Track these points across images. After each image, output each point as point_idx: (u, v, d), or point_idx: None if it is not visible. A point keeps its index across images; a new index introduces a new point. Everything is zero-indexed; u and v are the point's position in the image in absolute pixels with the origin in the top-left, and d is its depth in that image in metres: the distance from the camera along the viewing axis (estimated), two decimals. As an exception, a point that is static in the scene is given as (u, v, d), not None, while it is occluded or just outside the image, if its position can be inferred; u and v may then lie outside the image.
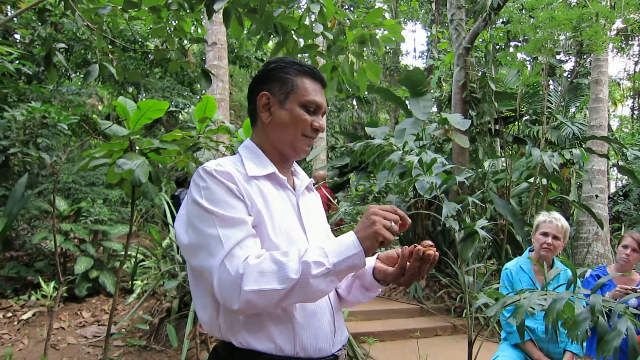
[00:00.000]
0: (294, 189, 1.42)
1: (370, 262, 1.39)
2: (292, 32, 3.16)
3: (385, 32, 3.09)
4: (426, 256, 1.21)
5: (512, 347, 3.04)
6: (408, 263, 1.25)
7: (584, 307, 1.62)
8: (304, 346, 1.23)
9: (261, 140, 1.40)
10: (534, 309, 1.76)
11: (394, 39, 3.11)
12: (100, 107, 12.66)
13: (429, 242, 1.24)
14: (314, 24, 2.98)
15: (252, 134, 1.45)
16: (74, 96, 8.41)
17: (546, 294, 1.81)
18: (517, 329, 1.70)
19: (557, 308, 1.58)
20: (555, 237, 2.99)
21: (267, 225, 1.25)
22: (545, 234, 3.02)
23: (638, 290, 2.72)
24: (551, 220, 3.04)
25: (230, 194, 1.23)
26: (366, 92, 3.18)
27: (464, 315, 5.65)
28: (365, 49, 3.20)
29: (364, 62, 3.17)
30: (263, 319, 1.21)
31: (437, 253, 1.22)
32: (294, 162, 1.49)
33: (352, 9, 16.17)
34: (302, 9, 3.12)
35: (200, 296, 1.29)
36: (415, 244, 1.23)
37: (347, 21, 3.21)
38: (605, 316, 1.54)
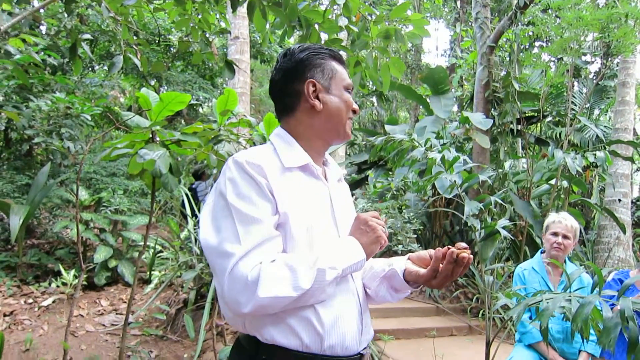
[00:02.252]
0: (326, 179, 1.38)
1: (401, 263, 1.37)
2: (316, 25, 3.15)
3: (410, 28, 3.05)
4: (460, 259, 1.20)
5: (527, 348, 3.01)
6: (441, 265, 1.23)
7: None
8: (332, 345, 1.20)
9: (301, 130, 1.35)
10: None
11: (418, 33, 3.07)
12: (122, 99, 12.80)
13: (464, 245, 1.22)
14: (338, 18, 2.96)
15: (285, 124, 1.39)
16: (96, 88, 8.51)
17: (570, 297, 1.77)
18: (541, 332, 1.66)
19: (585, 313, 1.53)
20: (565, 237, 3.01)
21: (296, 220, 1.21)
22: (555, 234, 3.04)
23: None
24: (560, 220, 3.06)
25: (258, 189, 1.18)
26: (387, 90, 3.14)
27: (480, 315, 5.60)
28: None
29: (388, 58, 3.14)
30: (290, 318, 1.18)
31: (471, 256, 1.21)
32: (326, 152, 1.44)
33: (374, 5, 16.06)
34: (326, 3, 3.11)
35: None
36: (449, 246, 1.22)
37: (371, 17, 3.18)
38: (635, 321, 1.49)
